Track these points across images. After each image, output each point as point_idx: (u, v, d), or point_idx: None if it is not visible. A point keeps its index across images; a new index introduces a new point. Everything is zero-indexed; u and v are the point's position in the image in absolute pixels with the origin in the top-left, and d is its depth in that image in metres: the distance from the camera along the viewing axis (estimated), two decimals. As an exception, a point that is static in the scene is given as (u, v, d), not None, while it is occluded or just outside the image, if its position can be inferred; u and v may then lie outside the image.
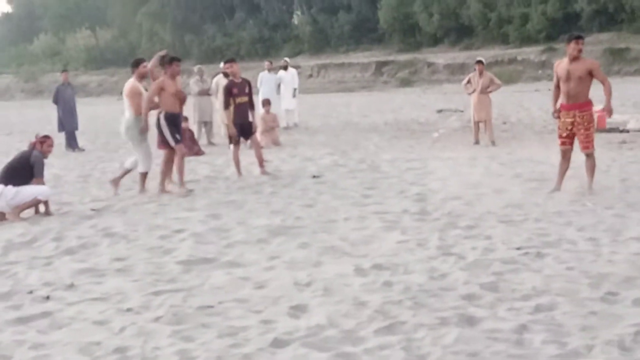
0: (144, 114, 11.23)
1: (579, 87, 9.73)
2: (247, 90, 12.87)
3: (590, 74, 9.75)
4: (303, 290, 6.25)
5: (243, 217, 9.39)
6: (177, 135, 11.40)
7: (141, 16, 72.30)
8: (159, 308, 5.92)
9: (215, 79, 19.46)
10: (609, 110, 9.95)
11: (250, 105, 12.88)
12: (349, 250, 7.55)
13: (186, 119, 16.88)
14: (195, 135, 17.84)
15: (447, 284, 6.25)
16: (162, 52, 12.07)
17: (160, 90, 11.22)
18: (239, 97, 12.77)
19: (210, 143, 18.67)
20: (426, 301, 5.78)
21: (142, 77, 11.55)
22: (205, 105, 19.01)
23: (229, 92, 12.80)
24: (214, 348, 5.02)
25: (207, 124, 19.02)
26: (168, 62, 11.46)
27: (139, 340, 5.24)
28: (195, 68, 20.65)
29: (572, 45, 9.75)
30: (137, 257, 7.56)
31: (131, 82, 11.49)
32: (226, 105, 12.86)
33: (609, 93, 9.78)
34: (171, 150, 11.49)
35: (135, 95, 11.37)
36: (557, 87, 10.08)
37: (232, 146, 13.10)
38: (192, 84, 19.43)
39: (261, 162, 13.02)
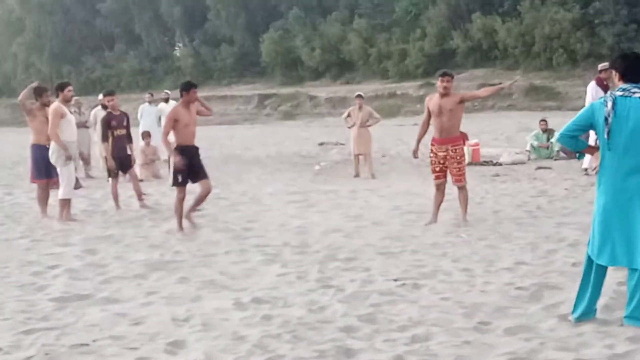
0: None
1: (451, 120, 10.05)
2: (125, 122, 12.91)
3: (462, 103, 10.11)
4: (181, 326, 6.17)
5: (120, 251, 9.20)
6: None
7: (16, 46, 70.34)
8: (30, 347, 5.71)
9: (93, 111, 19.12)
10: (511, 82, 11.06)
11: (128, 137, 12.82)
12: (228, 284, 7.50)
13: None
14: (73, 168, 17.39)
15: (325, 316, 6.29)
16: (34, 84, 12.15)
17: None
18: (117, 130, 12.79)
19: (88, 176, 18.26)
20: (305, 334, 5.80)
21: (67, 101, 11.86)
22: (82, 137, 18.53)
23: (107, 125, 12.76)
24: (87, 388, 4.87)
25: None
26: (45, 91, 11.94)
27: (7, 381, 5.04)
28: (72, 100, 20.15)
29: (438, 82, 10.16)
30: (7, 295, 7.28)
31: (55, 105, 11.60)
32: (104, 138, 12.79)
33: (493, 88, 10.30)
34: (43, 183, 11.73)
35: (56, 117, 11.43)
36: (426, 123, 10.38)
37: (110, 179, 12.89)
38: (69, 116, 18.95)
39: (139, 195, 12.87)
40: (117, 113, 12.97)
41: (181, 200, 10.33)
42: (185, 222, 10.41)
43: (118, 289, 7.41)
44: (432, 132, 10.40)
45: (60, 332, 6.07)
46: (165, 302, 6.90)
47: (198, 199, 10.57)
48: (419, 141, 10.55)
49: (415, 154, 10.74)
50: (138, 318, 6.41)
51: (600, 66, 14.46)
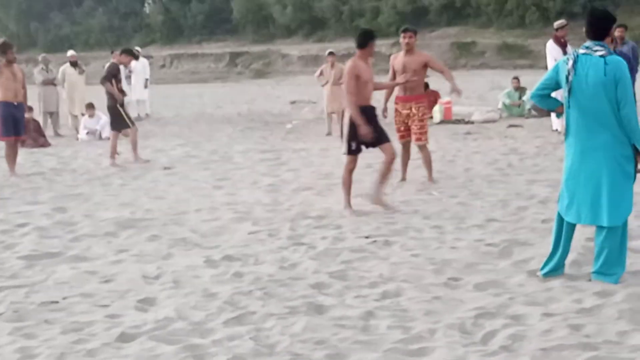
0: None
1: (415, 79, 9.93)
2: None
3: (426, 66, 10.04)
4: (152, 283, 6.15)
5: (90, 209, 9.14)
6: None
7: (-17, 2, 69.13)
8: (-2, 305, 5.67)
9: (61, 69, 18.88)
10: (457, 90, 9.99)
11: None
12: (199, 242, 7.48)
13: (31, 109, 16.28)
14: (42, 126, 17.22)
15: (296, 273, 6.29)
16: None
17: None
18: (120, 84, 13.16)
19: (57, 134, 18.08)
20: (276, 291, 5.80)
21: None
22: (50, 95, 18.37)
23: (114, 75, 12.99)
24: (57, 344, 4.84)
25: (52, 115, 18.39)
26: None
27: (-24, 339, 4.99)
28: (40, 57, 19.89)
29: (401, 38, 10.06)
30: (-25, 253, 7.21)
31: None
32: (104, 81, 12.87)
33: (451, 77, 10.06)
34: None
35: None
36: (391, 81, 10.32)
37: (112, 132, 13.17)
38: (37, 73, 18.75)
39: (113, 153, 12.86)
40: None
41: (351, 171, 8.75)
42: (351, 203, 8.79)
43: (88, 247, 7.36)
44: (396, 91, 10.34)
45: (30, 289, 6.03)
46: (136, 259, 6.87)
47: (383, 171, 8.76)
48: (386, 100, 10.52)
49: (384, 113, 10.69)
50: (108, 275, 6.37)
51: (557, 24, 14.42)
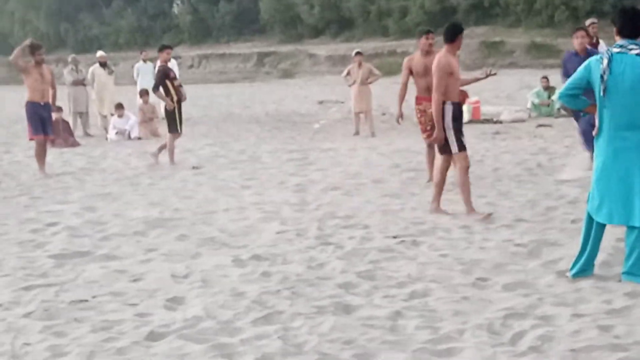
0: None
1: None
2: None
3: None
4: (180, 282, 6.18)
5: (120, 209, 9.20)
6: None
7: (13, 3, 69.70)
8: (29, 303, 5.72)
9: (91, 69, 19.05)
10: (481, 76, 10.00)
11: None
12: (227, 241, 7.50)
13: (60, 109, 16.46)
14: (71, 126, 17.38)
15: (324, 273, 6.30)
16: (27, 42, 12.15)
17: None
18: (175, 80, 12.79)
19: (87, 134, 18.24)
20: (304, 290, 5.81)
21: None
22: (80, 95, 18.54)
23: (166, 76, 12.66)
24: (86, 343, 4.88)
25: (82, 115, 18.56)
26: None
27: (7, 336, 5.04)
28: (70, 57, 20.08)
29: (423, 40, 10.01)
30: (7, 252, 7.28)
31: None
32: (156, 88, 12.69)
33: (469, 80, 10.08)
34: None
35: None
36: (406, 84, 10.27)
37: (169, 135, 12.88)
38: (66, 74, 18.92)
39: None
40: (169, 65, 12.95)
41: (467, 169, 8.20)
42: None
43: (117, 246, 7.41)
44: (413, 92, 10.30)
45: (60, 288, 6.09)
46: (165, 258, 6.91)
47: (461, 180, 8.24)
48: (401, 104, 10.49)
49: (399, 118, 10.66)
50: (137, 274, 6.42)
51: (588, 21, 14.34)
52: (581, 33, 10.26)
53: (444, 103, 8.09)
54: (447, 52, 8.26)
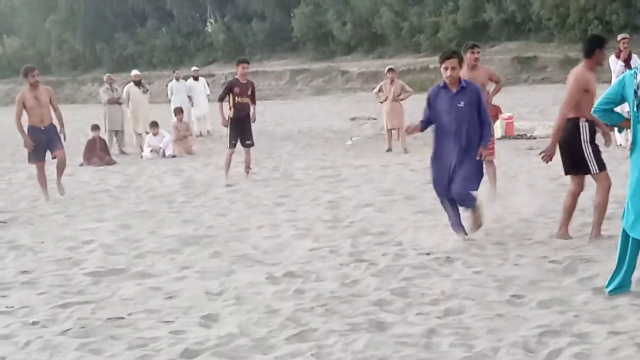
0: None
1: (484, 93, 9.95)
2: (249, 92, 12.88)
3: (491, 79, 10.12)
4: (214, 300, 6.21)
5: (154, 226, 9.28)
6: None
7: (50, 24, 70.70)
8: (66, 321, 5.79)
9: (126, 88, 19.27)
10: (496, 90, 10.59)
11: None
12: (261, 258, 7.53)
13: (97, 127, 16.66)
14: (107, 144, 17.58)
15: (358, 290, 6.30)
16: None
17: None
18: (240, 97, 12.74)
19: (122, 152, 18.43)
20: (337, 308, 5.81)
21: (32, 86, 11.66)
22: (115, 113, 18.75)
23: (229, 90, 12.78)
24: (122, 360, 4.93)
25: (118, 133, 18.77)
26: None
27: (45, 354, 5.12)
28: (105, 77, 20.34)
29: (469, 55, 9.98)
30: (43, 270, 7.38)
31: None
32: (221, 99, 12.86)
33: (499, 89, 10.45)
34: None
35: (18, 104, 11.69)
36: None
37: (228, 148, 12.94)
38: (102, 93, 19.20)
39: (248, 164, 13.19)
40: (244, 82, 12.78)
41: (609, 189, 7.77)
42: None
43: (152, 264, 7.48)
44: None
45: (96, 305, 6.15)
46: (199, 276, 6.96)
47: (600, 203, 7.77)
48: None
49: None
50: (172, 292, 6.46)
51: (620, 36, 14.41)
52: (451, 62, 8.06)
53: (578, 119, 7.65)
54: (584, 67, 7.77)
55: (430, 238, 7.97)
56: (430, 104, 8.13)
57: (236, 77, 12.87)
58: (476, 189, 7.90)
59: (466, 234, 7.95)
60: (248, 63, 13.18)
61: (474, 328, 5.25)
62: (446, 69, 7.99)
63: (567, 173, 8.07)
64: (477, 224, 8.04)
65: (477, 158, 7.98)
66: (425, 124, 8.23)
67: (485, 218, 8.10)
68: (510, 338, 5.00)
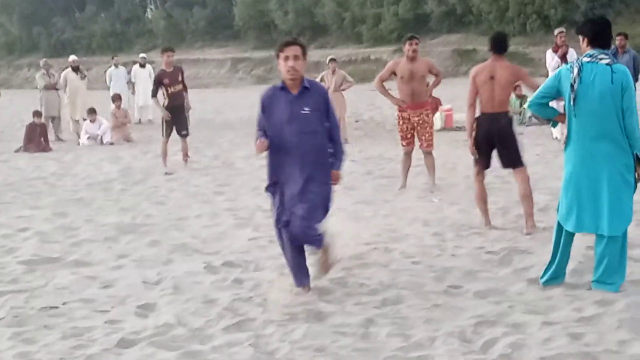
0: None
1: (421, 85, 10.03)
2: (180, 77, 12.67)
3: (431, 72, 10.14)
4: (152, 289, 6.15)
5: (91, 214, 9.15)
6: None
7: (-14, 7, 69.19)
8: (-2, 310, 5.68)
9: (63, 73, 18.94)
10: (436, 83, 10.47)
11: (184, 89, 12.88)
12: (200, 247, 7.48)
13: (39, 113, 16.38)
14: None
15: (297, 280, 6.28)
16: None
17: None
18: (171, 87, 12.46)
19: (58, 139, 18.10)
20: (275, 297, 5.80)
21: None
22: (52, 99, 18.41)
23: (159, 82, 12.46)
24: (56, 350, 4.86)
25: (54, 119, 18.43)
26: None
27: (-24, 344, 5.00)
28: (41, 62, 19.95)
29: (407, 46, 10.03)
30: (-24, 258, 7.22)
31: None
32: (154, 94, 12.65)
33: (439, 81, 10.39)
34: None
35: None
36: (382, 81, 10.23)
37: (163, 137, 12.72)
38: (38, 78, 18.83)
39: (185, 154, 13.10)
40: (170, 70, 12.50)
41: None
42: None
43: (88, 252, 7.37)
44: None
45: (30, 294, 6.04)
46: (136, 265, 6.88)
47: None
48: (388, 94, 10.33)
49: (402, 101, 10.27)
50: (108, 281, 6.39)
51: (556, 31, 14.83)
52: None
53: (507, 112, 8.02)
54: (493, 61, 8.17)
55: (369, 228, 8.01)
56: (265, 110, 6.30)
57: (162, 67, 12.61)
58: (321, 220, 5.92)
59: (309, 288, 6.00)
60: (173, 51, 12.86)
61: (411, 318, 5.29)
62: (287, 58, 6.29)
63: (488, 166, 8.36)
64: (326, 267, 6.13)
65: (329, 183, 6.27)
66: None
67: (338, 256, 6.35)
68: (446, 328, 5.06)
